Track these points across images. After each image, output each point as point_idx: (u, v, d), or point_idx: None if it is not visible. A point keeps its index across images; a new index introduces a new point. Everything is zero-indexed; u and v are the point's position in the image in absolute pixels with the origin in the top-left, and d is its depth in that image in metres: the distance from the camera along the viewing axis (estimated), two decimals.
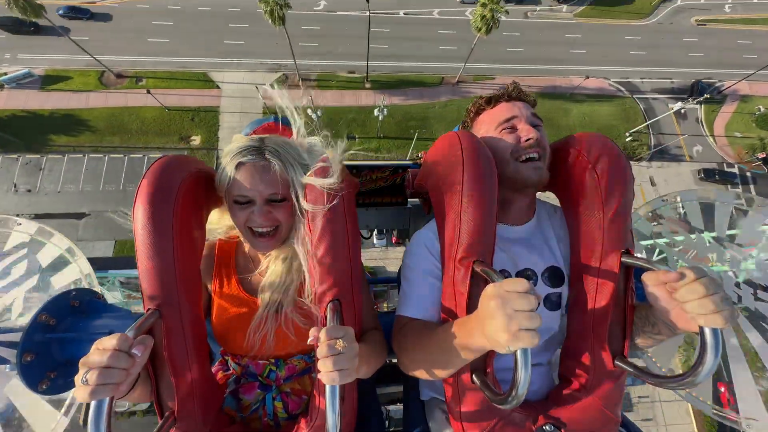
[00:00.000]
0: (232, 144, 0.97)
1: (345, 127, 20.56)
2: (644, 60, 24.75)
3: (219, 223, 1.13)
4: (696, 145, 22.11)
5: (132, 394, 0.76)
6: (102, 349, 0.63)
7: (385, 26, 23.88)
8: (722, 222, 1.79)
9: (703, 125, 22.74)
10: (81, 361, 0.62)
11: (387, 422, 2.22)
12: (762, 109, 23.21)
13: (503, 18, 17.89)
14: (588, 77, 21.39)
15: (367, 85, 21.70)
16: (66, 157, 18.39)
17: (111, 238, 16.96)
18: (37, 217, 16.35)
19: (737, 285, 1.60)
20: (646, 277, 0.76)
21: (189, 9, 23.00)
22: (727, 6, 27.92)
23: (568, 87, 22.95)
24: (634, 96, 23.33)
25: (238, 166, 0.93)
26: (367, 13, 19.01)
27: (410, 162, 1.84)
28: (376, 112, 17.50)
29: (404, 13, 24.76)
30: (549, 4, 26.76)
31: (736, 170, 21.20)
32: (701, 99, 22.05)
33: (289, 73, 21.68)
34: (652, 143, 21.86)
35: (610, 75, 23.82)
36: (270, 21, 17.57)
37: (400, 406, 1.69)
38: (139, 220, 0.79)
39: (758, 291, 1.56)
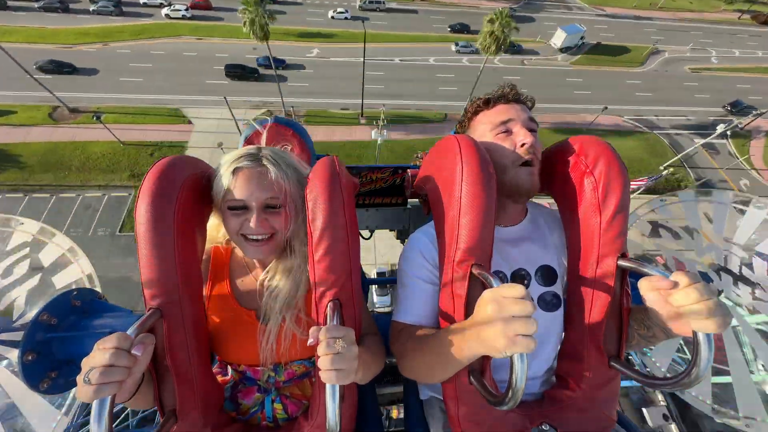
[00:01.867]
0: (228, 154, 0.94)
1: None
2: (652, 100, 23.73)
3: (218, 230, 1.06)
4: (741, 179, 19.32)
5: (136, 398, 0.75)
6: (103, 348, 0.62)
7: (379, 70, 22.89)
8: (721, 222, 1.79)
9: (738, 158, 20.31)
10: (83, 361, 0.62)
11: (387, 422, 2.12)
12: None
13: (512, 38, 16.33)
14: (606, 108, 19.49)
15: (362, 121, 19.31)
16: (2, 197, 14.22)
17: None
18: None
19: (735, 284, 1.58)
20: (641, 282, 0.75)
21: (174, 54, 21.83)
22: (713, 58, 28.75)
23: (582, 123, 21.04)
24: (655, 131, 21.40)
25: (235, 171, 0.90)
26: (362, 59, 17.59)
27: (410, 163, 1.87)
28: (373, 135, 14.39)
29: (399, 60, 24.14)
30: (545, 54, 26.96)
31: None
32: (751, 119, 19.84)
33: (274, 110, 19.35)
34: (692, 177, 18.95)
35: (623, 113, 22.30)
36: (250, 33, 15.56)
37: (399, 406, 1.70)
38: (141, 219, 0.78)
39: (756, 290, 1.53)
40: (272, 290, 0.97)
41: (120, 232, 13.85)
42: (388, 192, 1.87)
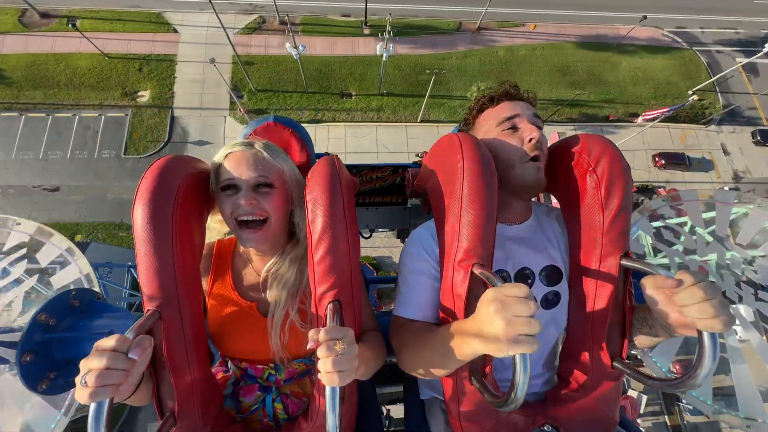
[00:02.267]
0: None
1: (339, 81, 16.14)
2: (703, 7, 20.38)
3: (223, 224, 1.08)
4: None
5: (135, 396, 0.75)
6: (101, 350, 0.62)
7: None
8: (723, 222, 1.78)
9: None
10: (81, 362, 0.62)
11: (387, 422, 2.20)
12: None
13: None
14: (645, 17, 16.97)
15: (366, 31, 17.22)
16: None
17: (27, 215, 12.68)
18: None
19: (738, 285, 1.59)
20: (645, 281, 0.75)
21: None
22: None
23: (614, 36, 18.59)
24: (694, 48, 19.00)
25: (228, 156, 0.93)
26: None
27: (410, 162, 1.89)
28: (378, 49, 13.05)
29: None
30: None
31: None
32: None
33: (267, 16, 17.16)
34: (721, 103, 17.59)
35: (663, 24, 19.45)
36: None
37: (400, 406, 1.65)
38: (138, 221, 0.78)
39: (759, 291, 1.55)
40: (280, 278, 0.99)
41: (124, 154, 13.92)
42: (388, 191, 1.87)
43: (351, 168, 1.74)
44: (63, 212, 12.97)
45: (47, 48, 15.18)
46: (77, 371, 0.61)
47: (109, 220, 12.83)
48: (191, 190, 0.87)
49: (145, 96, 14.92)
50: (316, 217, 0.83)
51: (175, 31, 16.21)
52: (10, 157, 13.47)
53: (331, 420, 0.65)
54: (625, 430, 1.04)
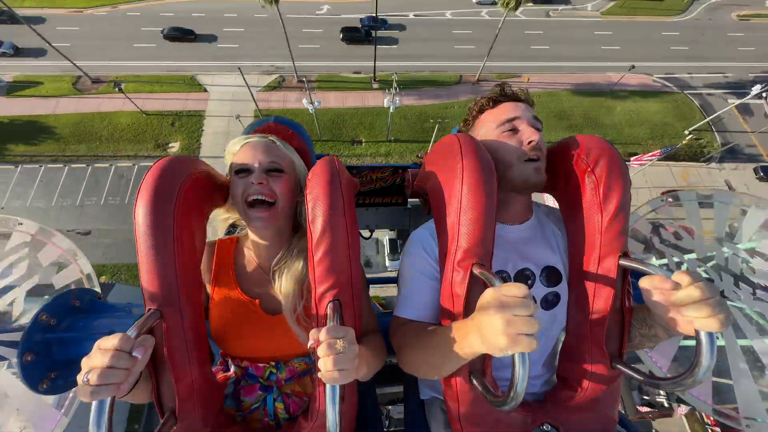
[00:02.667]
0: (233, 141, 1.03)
1: (350, 130, 17.53)
2: (688, 55, 21.86)
3: (224, 225, 1.14)
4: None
5: (134, 393, 0.76)
6: (104, 349, 0.62)
7: (393, 28, 21.81)
8: (722, 222, 1.82)
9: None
10: (83, 360, 0.62)
11: (387, 422, 2.20)
12: None
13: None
14: (633, 67, 18.33)
15: (375, 86, 19.00)
16: (19, 168, 15.54)
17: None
18: None
19: (736, 284, 1.61)
20: (643, 281, 0.75)
21: (181, 15, 21.41)
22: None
23: (607, 83, 19.94)
24: (685, 92, 20.09)
25: (243, 145, 0.99)
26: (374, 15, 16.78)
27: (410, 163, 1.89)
28: (386, 102, 14.37)
29: (414, 15, 22.79)
30: (572, 4, 24.69)
31: None
32: None
33: (286, 75, 19.23)
34: (719, 142, 18.15)
35: (652, 71, 20.82)
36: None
37: (400, 406, 1.72)
38: (140, 220, 0.79)
39: (757, 290, 1.57)
40: (289, 269, 1.00)
41: None
42: (388, 192, 1.87)
43: (351, 169, 1.73)
44: (91, 254, 13.80)
45: (94, 108, 17.22)
46: (78, 371, 0.61)
47: (132, 262, 13.54)
48: (192, 190, 0.88)
49: (175, 147, 16.46)
50: (316, 217, 0.84)
51: (206, 90, 18.26)
52: (51, 204, 14.74)
53: (332, 419, 0.65)
54: (625, 429, 1.03)
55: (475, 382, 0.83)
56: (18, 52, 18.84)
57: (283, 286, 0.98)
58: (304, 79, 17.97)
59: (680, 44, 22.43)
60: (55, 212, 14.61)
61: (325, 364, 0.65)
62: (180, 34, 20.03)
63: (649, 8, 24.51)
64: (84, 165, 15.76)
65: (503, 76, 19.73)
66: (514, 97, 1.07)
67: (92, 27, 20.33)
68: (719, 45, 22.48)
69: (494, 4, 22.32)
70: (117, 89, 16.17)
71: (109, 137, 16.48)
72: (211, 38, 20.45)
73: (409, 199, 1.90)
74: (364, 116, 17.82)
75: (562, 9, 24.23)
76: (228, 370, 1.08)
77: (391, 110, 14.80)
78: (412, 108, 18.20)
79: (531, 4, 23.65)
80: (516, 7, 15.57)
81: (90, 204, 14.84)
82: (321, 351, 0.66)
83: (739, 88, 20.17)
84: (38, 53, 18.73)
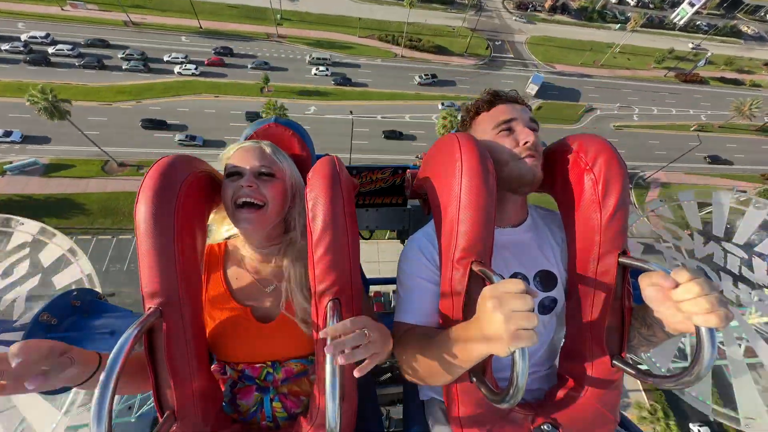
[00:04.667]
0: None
1: None
2: None
3: (218, 228, 1.16)
4: (633, 223, 25.50)
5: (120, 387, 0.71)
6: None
7: (365, 126, 28.32)
8: (720, 222, 1.74)
9: (635, 205, 26.70)
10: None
11: (387, 423, 2.24)
12: None
13: None
14: None
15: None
16: None
17: None
18: None
19: (735, 284, 1.55)
20: (642, 279, 0.75)
21: (196, 111, 26.66)
22: (635, 116, 35.53)
23: None
24: None
25: (236, 150, 1.01)
26: (351, 116, 22.98)
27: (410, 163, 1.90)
28: None
29: (381, 117, 29.68)
30: None
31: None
32: (653, 171, 25.62)
33: None
34: None
35: None
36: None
37: (400, 407, 1.65)
38: (140, 218, 0.80)
39: (755, 290, 1.50)
40: (289, 275, 1.02)
41: None
42: (388, 192, 1.88)
43: (351, 169, 1.71)
44: None
45: (119, 188, 21.12)
46: None
47: None
48: (194, 189, 0.89)
49: None
50: (316, 216, 0.85)
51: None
52: None
53: (331, 419, 0.66)
54: (625, 430, 1.05)
55: (475, 380, 0.84)
56: (46, 140, 22.71)
57: (295, 302, 1.01)
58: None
59: None
60: None
61: (365, 351, 0.69)
62: (188, 140, 25.00)
63: (555, 118, 33.36)
64: (110, 237, 19.24)
65: None
66: (509, 99, 1.10)
67: (118, 118, 24.86)
68: None
69: (431, 84, 29.78)
70: (140, 172, 20.37)
71: (132, 213, 20.01)
72: (220, 129, 25.56)
73: (409, 200, 1.93)
74: None
75: None
76: (225, 373, 1.08)
77: None
78: None
79: None
80: None
81: (114, 270, 18.15)
82: (350, 341, 0.67)
83: None
84: (74, 140, 22.74)
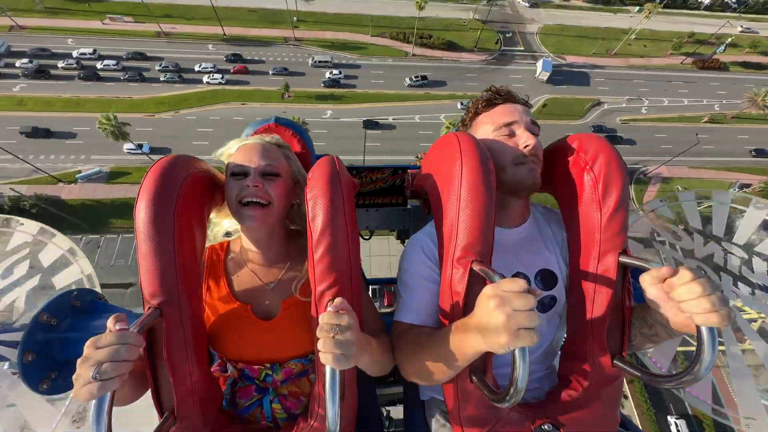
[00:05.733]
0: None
1: None
2: None
3: (218, 221, 1.17)
4: (633, 222, 27.06)
5: (121, 392, 0.76)
6: (100, 346, 0.65)
7: (377, 129, 30.64)
8: (720, 221, 1.75)
9: (634, 202, 28.14)
10: (78, 362, 0.64)
11: (387, 423, 2.28)
12: (680, 189, 28.96)
13: None
14: None
15: None
16: (120, 237, 22.75)
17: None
18: None
19: (735, 284, 1.58)
20: (643, 277, 0.75)
21: (226, 119, 29.76)
22: (643, 108, 35.82)
23: None
24: None
25: (240, 147, 1.02)
26: (362, 119, 25.36)
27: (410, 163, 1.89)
28: None
29: (393, 119, 31.83)
30: None
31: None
32: (656, 167, 26.86)
33: None
34: None
35: None
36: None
37: (400, 407, 1.72)
38: (140, 218, 0.80)
39: (755, 290, 1.53)
40: (293, 273, 1.04)
41: None
42: (388, 192, 1.88)
43: (351, 169, 1.72)
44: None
45: (131, 194, 24.79)
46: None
47: None
48: (194, 189, 0.89)
49: None
50: (316, 216, 0.86)
51: None
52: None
53: (331, 419, 0.66)
54: (626, 430, 1.05)
55: (475, 380, 0.84)
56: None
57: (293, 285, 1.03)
58: None
59: None
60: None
61: (324, 345, 0.67)
62: None
63: (560, 114, 34.30)
64: (115, 235, 22.78)
65: None
66: (510, 98, 1.10)
67: (161, 128, 28.32)
68: None
69: (422, 86, 31.61)
70: None
71: None
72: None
73: (409, 200, 1.93)
74: None
75: None
76: (226, 371, 1.10)
77: None
78: None
79: None
80: None
81: (120, 265, 21.93)
82: (320, 332, 0.68)
83: None
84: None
